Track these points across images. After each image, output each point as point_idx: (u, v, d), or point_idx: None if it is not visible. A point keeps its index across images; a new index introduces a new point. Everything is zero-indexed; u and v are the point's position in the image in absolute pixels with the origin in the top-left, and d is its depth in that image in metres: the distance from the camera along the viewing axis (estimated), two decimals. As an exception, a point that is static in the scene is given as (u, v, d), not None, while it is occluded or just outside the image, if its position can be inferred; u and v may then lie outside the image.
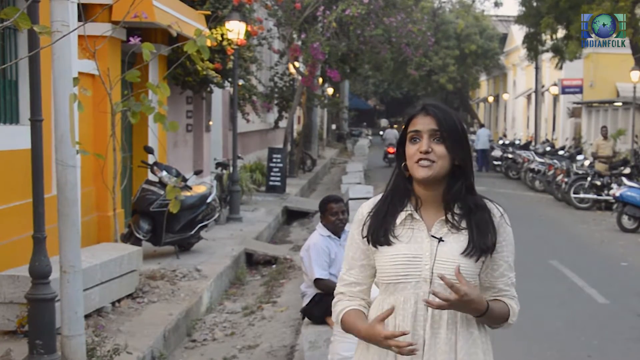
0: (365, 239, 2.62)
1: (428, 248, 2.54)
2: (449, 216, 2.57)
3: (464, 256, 2.53)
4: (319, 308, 6.26)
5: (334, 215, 6.30)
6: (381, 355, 2.57)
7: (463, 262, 2.52)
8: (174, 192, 6.99)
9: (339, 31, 19.43)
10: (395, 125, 47.56)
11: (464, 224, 2.56)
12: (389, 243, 2.56)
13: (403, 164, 2.61)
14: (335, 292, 2.73)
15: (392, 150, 30.29)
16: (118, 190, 8.61)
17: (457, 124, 2.57)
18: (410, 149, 2.56)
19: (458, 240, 2.55)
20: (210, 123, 15.80)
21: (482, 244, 2.54)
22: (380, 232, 2.58)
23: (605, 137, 20.06)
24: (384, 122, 50.88)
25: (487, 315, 2.53)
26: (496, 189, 20.53)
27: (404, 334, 2.44)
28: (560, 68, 25.28)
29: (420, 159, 2.53)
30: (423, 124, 2.56)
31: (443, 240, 2.54)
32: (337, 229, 6.32)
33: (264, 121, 23.49)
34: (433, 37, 26.15)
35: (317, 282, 6.15)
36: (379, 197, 2.70)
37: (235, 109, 14.65)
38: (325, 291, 6.07)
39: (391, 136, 33.45)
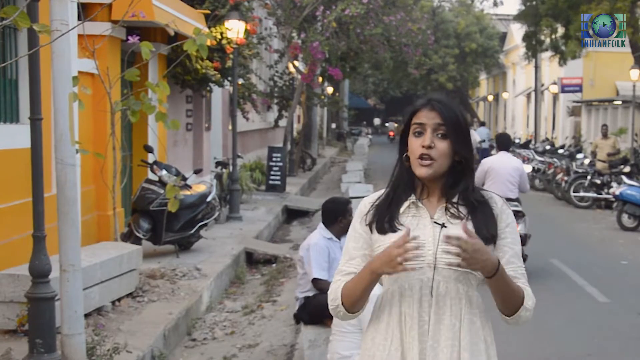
0: (369, 226, 2.63)
1: (431, 234, 2.56)
2: (450, 206, 2.59)
3: None
4: (307, 311, 6.28)
5: (350, 216, 6.33)
6: (385, 343, 2.58)
7: None
8: (174, 191, 6.98)
9: (339, 30, 19.43)
10: (396, 124, 60.14)
11: (464, 213, 2.59)
12: (393, 230, 2.58)
13: (405, 155, 2.63)
14: (332, 288, 2.70)
15: (392, 133, 55.26)
16: (118, 189, 8.61)
17: (460, 120, 2.60)
18: (414, 143, 2.59)
19: (460, 227, 2.55)
20: (206, 126, 15.79)
21: (486, 232, 2.56)
22: (384, 219, 2.60)
23: (604, 136, 20.06)
24: (376, 120, 53.29)
25: (499, 276, 2.47)
26: (496, 188, 20.56)
27: (414, 238, 2.42)
28: (565, 64, 25.28)
29: (422, 155, 2.55)
30: (427, 117, 2.58)
31: (446, 226, 2.56)
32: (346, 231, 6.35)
33: (264, 120, 23.50)
34: (433, 36, 26.14)
35: (316, 281, 6.15)
36: (381, 192, 2.72)
37: (234, 107, 14.65)
38: (322, 291, 6.07)
39: (392, 125, 58.05)
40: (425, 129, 2.57)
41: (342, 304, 2.63)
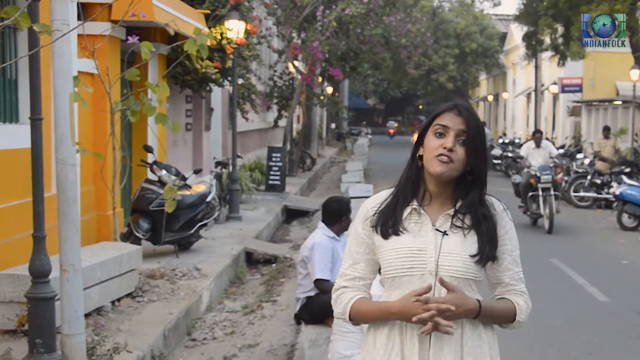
0: (373, 228, 2.63)
1: (432, 241, 2.56)
2: (454, 215, 2.59)
3: (470, 255, 2.55)
4: (309, 311, 6.28)
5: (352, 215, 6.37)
6: (386, 349, 2.58)
7: (468, 258, 2.55)
8: (171, 192, 6.98)
9: (339, 30, 19.43)
10: (396, 124, 66.59)
11: (468, 222, 2.59)
12: (397, 233, 2.58)
13: (418, 154, 2.64)
14: (335, 287, 2.71)
15: (392, 130, 61.73)
16: (117, 189, 8.60)
17: (482, 132, 2.61)
18: (433, 142, 2.58)
19: (462, 235, 2.57)
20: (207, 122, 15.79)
21: (488, 251, 2.58)
22: (389, 222, 2.60)
23: (606, 137, 20.05)
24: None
25: (483, 314, 2.55)
26: (496, 188, 20.50)
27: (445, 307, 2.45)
28: (563, 65, 25.29)
29: (441, 154, 2.54)
30: (453, 122, 2.58)
31: (447, 234, 2.57)
32: (347, 229, 6.38)
33: (264, 120, 23.49)
34: (432, 37, 26.17)
35: (318, 282, 6.14)
36: (383, 193, 2.71)
37: (234, 107, 14.65)
38: (324, 292, 6.07)
39: (391, 124, 64.79)
40: (448, 132, 2.57)
41: (350, 318, 2.67)
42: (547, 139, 30.86)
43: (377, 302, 2.64)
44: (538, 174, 14.20)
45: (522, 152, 15.38)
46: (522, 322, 2.65)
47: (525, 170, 14.94)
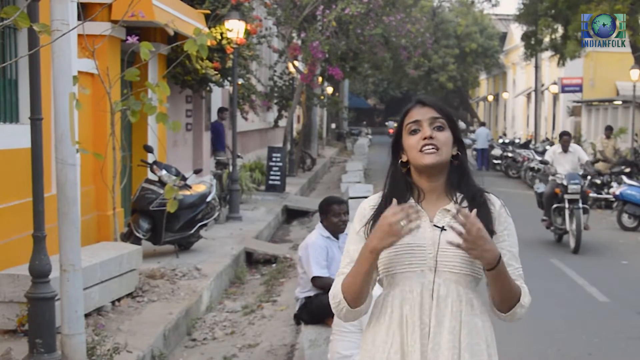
0: (372, 230, 2.59)
1: (431, 237, 2.56)
2: (453, 205, 2.58)
3: None
4: (308, 311, 6.28)
5: (336, 216, 6.29)
6: (385, 347, 2.58)
7: (467, 254, 2.51)
8: (172, 191, 6.98)
9: (339, 30, 19.45)
10: (396, 124, 62.86)
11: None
12: None
13: (400, 161, 2.64)
14: (333, 288, 2.65)
15: (392, 130, 54.98)
16: (118, 189, 8.60)
17: (452, 115, 2.64)
18: (411, 140, 2.59)
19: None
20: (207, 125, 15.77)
21: (485, 227, 2.52)
22: None
23: (608, 137, 20.07)
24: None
25: (500, 269, 2.45)
26: (496, 188, 20.50)
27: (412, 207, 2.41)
28: (563, 65, 25.31)
29: (425, 146, 2.55)
30: (421, 113, 2.61)
31: (445, 229, 2.55)
32: (338, 230, 6.32)
33: (264, 120, 23.50)
34: (432, 38, 26.20)
35: (315, 280, 6.15)
36: (381, 194, 2.70)
37: (234, 107, 14.66)
38: (323, 289, 6.08)
39: (391, 124, 61.02)
40: (421, 124, 2.59)
41: (344, 298, 2.57)
42: (547, 139, 31.05)
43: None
44: (565, 183, 12.28)
45: (547, 157, 13.28)
46: (524, 307, 2.59)
47: (550, 178, 12.95)
